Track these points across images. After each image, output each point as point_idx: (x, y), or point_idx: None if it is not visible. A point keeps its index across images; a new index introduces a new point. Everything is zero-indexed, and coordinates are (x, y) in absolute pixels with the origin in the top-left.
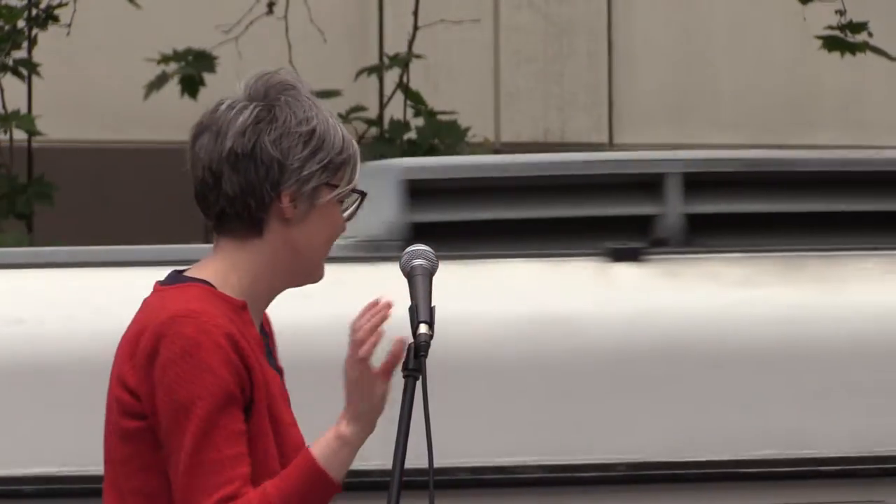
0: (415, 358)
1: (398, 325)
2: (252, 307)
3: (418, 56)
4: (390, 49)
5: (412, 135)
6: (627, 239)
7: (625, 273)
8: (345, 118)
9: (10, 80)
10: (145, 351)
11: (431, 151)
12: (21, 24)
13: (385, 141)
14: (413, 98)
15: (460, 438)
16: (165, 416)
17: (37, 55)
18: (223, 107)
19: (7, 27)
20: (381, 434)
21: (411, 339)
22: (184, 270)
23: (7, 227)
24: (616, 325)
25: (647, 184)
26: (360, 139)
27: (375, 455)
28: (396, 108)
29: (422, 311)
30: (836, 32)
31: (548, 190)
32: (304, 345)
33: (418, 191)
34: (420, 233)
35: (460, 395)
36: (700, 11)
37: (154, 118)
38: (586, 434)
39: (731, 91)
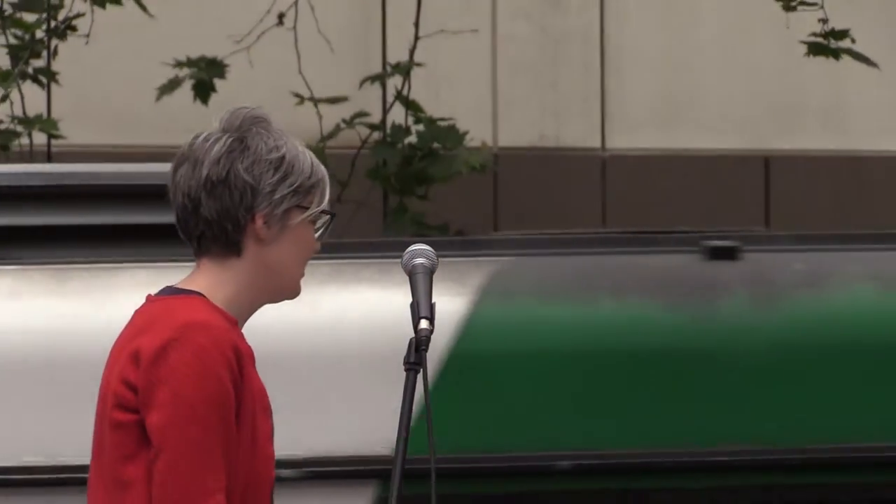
0: (416, 352)
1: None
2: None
3: (419, 64)
4: (393, 58)
5: (413, 139)
6: None
7: None
8: (349, 123)
9: (29, 87)
10: (154, 351)
11: (431, 155)
12: (40, 34)
13: (387, 145)
14: (412, 107)
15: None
16: (166, 412)
17: (55, 63)
18: (199, 139)
19: (27, 37)
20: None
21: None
22: (173, 285)
23: None
24: None
25: None
26: (363, 143)
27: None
28: (398, 114)
29: (422, 307)
30: (820, 39)
31: None
32: None
33: None
34: None
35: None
36: (689, 22)
37: (167, 123)
38: None
39: (720, 97)
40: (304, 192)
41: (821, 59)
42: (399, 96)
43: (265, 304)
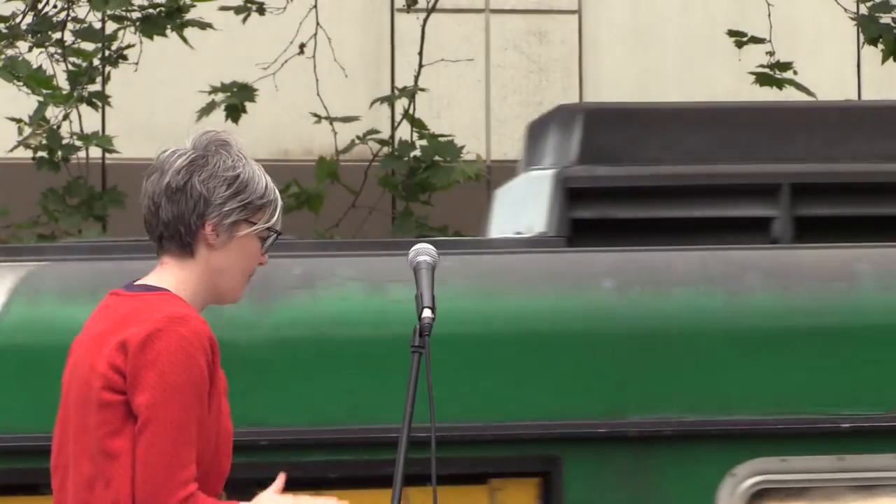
0: (420, 337)
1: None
2: None
3: (423, 89)
4: (400, 82)
5: (417, 152)
6: None
7: None
8: (362, 139)
9: (85, 108)
10: (142, 340)
11: (432, 166)
12: (95, 62)
13: (395, 157)
14: (416, 125)
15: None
16: (153, 392)
17: (108, 87)
18: (167, 153)
19: (85, 64)
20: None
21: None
22: (136, 281)
23: (85, 228)
24: None
25: None
26: (374, 156)
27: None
28: (405, 131)
29: (426, 297)
30: (767, 70)
31: None
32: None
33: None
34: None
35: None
36: (655, 54)
37: None
38: None
39: None
40: (254, 209)
41: (767, 88)
42: (405, 115)
43: (209, 304)
